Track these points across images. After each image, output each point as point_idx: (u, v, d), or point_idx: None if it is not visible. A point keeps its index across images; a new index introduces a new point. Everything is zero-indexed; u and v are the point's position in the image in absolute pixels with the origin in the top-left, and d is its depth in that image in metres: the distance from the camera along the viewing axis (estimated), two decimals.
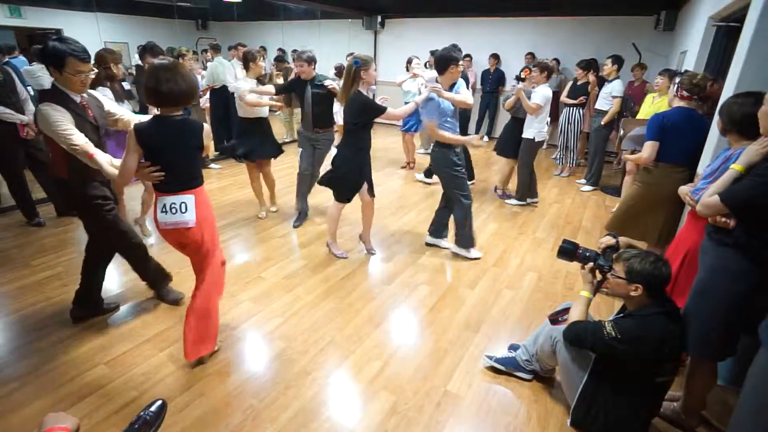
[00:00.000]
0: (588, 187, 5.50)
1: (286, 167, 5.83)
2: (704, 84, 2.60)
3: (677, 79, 2.68)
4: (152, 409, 1.86)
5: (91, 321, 2.57)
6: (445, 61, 3.11)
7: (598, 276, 1.90)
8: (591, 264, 1.90)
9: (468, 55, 7.90)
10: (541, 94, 4.23)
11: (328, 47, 9.66)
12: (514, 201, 4.81)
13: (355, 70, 2.94)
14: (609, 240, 1.96)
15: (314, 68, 3.67)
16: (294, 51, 7.47)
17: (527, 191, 4.76)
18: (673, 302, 1.77)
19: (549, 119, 4.53)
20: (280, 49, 8.91)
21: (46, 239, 3.67)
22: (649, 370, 1.69)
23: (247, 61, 3.87)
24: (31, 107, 3.72)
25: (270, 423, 1.92)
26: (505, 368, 2.25)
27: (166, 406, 1.96)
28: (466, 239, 3.51)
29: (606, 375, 1.78)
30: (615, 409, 1.76)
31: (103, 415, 1.93)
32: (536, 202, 4.85)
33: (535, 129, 4.38)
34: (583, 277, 1.94)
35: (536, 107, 4.20)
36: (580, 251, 1.95)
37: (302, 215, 4.19)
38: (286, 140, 7.73)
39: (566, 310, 1.99)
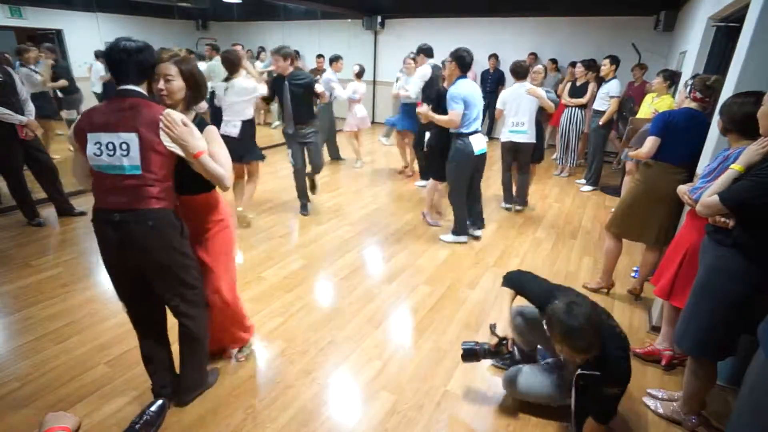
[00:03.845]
0: (588, 187, 5.50)
1: (286, 167, 5.82)
2: (718, 86, 2.54)
3: (689, 81, 2.66)
4: (153, 408, 1.88)
5: (90, 322, 2.57)
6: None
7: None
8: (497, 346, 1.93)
9: None
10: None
11: (328, 47, 9.65)
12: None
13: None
14: (492, 339, 1.97)
15: (290, 64, 3.73)
16: (294, 51, 7.50)
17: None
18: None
19: (517, 119, 4.24)
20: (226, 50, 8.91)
21: (47, 239, 3.67)
22: None
23: (234, 65, 3.73)
24: (31, 107, 3.73)
25: (270, 423, 1.92)
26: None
27: (167, 406, 1.97)
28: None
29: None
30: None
31: (103, 415, 1.93)
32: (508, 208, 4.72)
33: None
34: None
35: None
36: (479, 348, 1.97)
37: (305, 206, 4.36)
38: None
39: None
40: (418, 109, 3.63)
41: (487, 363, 2.31)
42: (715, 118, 2.09)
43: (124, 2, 8.58)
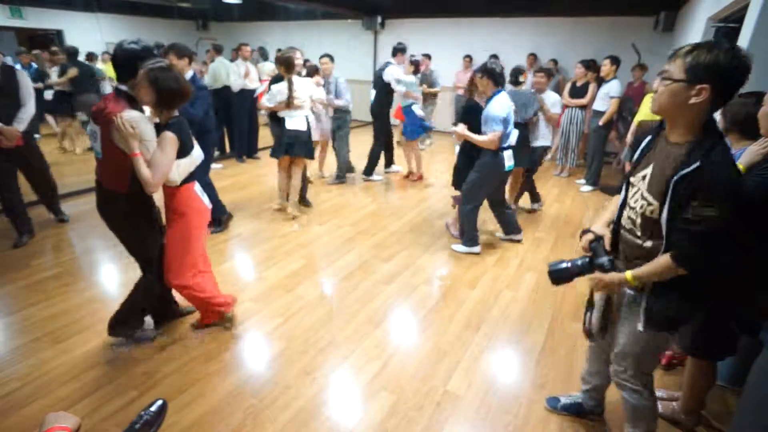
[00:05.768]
0: (587, 187, 5.50)
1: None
2: None
3: None
4: (152, 408, 1.86)
5: (90, 322, 2.57)
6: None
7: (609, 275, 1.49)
8: (600, 266, 1.51)
9: (468, 56, 7.91)
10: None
11: (328, 47, 9.67)
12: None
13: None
14: (587, 237, 1.60)
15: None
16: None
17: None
18: None
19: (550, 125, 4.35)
20: (279, 50, 8.93)
21: (47, 239, 3.67)
22: None
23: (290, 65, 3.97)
24: (23, 115, 3.28)
25: (270, 423, 1.92)
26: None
27: (167, 406, 1.96)
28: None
29: None
30: None
31: (103, 415, 1.93)
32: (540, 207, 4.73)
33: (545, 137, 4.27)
34: (611, 285, 1.50)
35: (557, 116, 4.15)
36: (572, 265, 1.59)
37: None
38: None
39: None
40: (455, 129, 3.44)
41: (487, 362, 2.31)
42: (716, 118, 2.09)
43: (124, 2, 8.59)
